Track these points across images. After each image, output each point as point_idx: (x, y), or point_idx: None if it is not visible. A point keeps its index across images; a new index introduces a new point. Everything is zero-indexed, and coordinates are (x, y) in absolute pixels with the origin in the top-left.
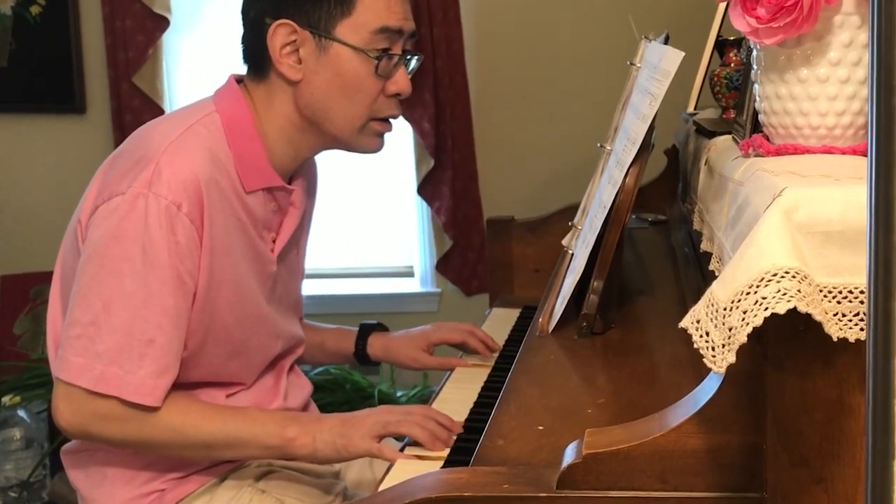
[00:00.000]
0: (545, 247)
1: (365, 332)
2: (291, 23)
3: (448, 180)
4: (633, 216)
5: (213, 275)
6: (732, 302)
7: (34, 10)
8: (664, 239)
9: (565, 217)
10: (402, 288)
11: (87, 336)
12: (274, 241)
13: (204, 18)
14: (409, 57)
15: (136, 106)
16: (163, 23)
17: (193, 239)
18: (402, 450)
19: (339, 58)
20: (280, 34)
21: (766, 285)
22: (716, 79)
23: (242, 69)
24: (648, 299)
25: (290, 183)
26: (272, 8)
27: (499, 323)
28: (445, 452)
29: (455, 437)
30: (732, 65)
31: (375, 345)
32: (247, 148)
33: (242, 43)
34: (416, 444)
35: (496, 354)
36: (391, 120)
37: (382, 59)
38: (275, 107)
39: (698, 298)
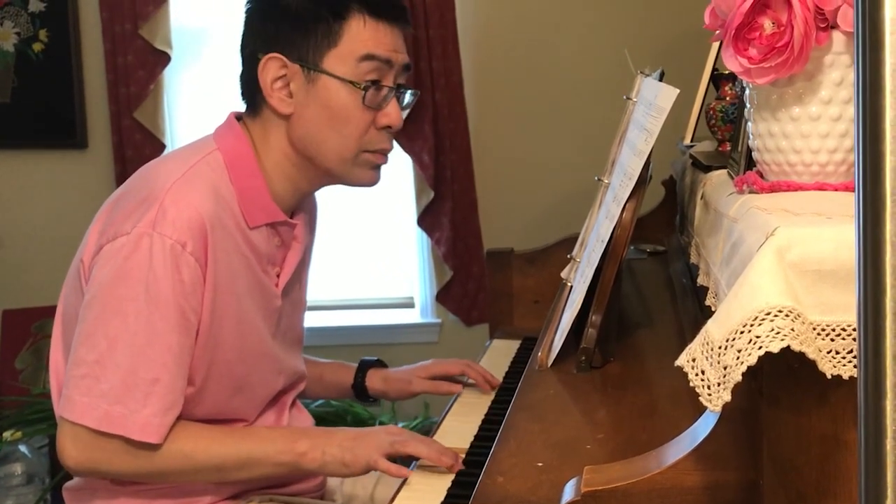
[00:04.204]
0: (544, 278)
1: (364, 366)
2: (281, 56)
3: (448, 211)
4: (632, 247)
5: (215, 312)
6: (727, 341)
7: (37, 47)
8: (662, 270)
9: (564, 248)
10: (402, 319)
11: (91, 375)
12: (278, 276)
13: (205, 54)
14: (402, 91)
15: (137, 141)
16: (164, 58)
17: (198, 277)
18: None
19: (328, 90)
20: (270, 68)
21: (760, 324)
22: (711, 112)
23: (242, 105)
24: (647, 331)
25: (292, 217)
26: (264, 43)
27: (499, 355)
28: (448, 479)
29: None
30: (728, 98)
31: (374, 377)
32: (249, 184)
33: (240, 80)
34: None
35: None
36: (386, 153)
37: (370, 90)
38: (270, 142)
39: (696, 331)
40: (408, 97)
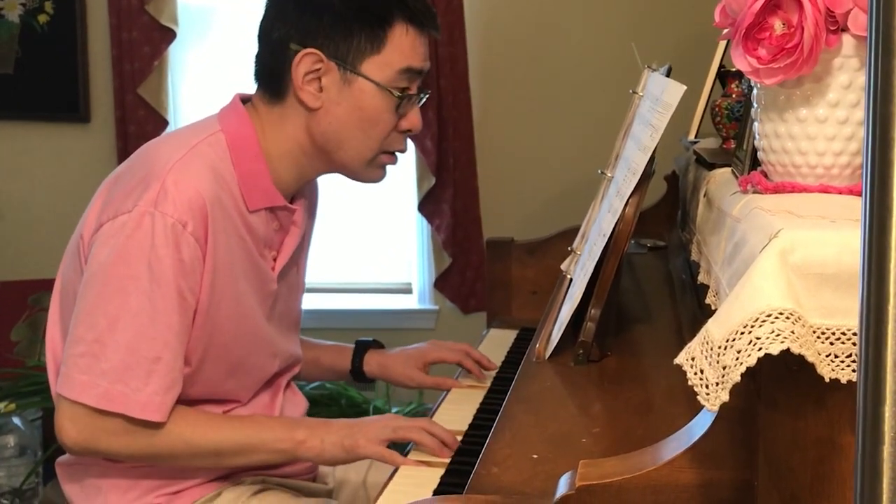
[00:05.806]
0: (543, 269)
1: (361, 349)
2: (319, 52)
3: (449, 198)
4: (632, 241)
5: (214, 293)
6: (727, 341)
7: (42, 18)
8: (662, 265)
9: (564, 240)
10: (400, 304)
11: (91, 354)
12: (275, 260)
13: (210, 32)
14: (422, 94)
15: (140, 116)
16: (169, 35)
17: (197, 257)
18: (405, 455)
19: (363, 92)
20: (306, 62)
21: (761, 326)
22: (717, 109)
23: (247, 85)
24: (645, 327)
25: (292, 202)
26: (299, 34)
27: (496, 344)
28: (446, 461)
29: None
30: (734, 95)
31: (371, 362)
32: (251, 168)
33: (257, 62)
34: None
35: (492, 374)
36: (398, 153)
37: (404, 99)
38: (286, 130)
39: (694, 327)
40: (423, 99)
